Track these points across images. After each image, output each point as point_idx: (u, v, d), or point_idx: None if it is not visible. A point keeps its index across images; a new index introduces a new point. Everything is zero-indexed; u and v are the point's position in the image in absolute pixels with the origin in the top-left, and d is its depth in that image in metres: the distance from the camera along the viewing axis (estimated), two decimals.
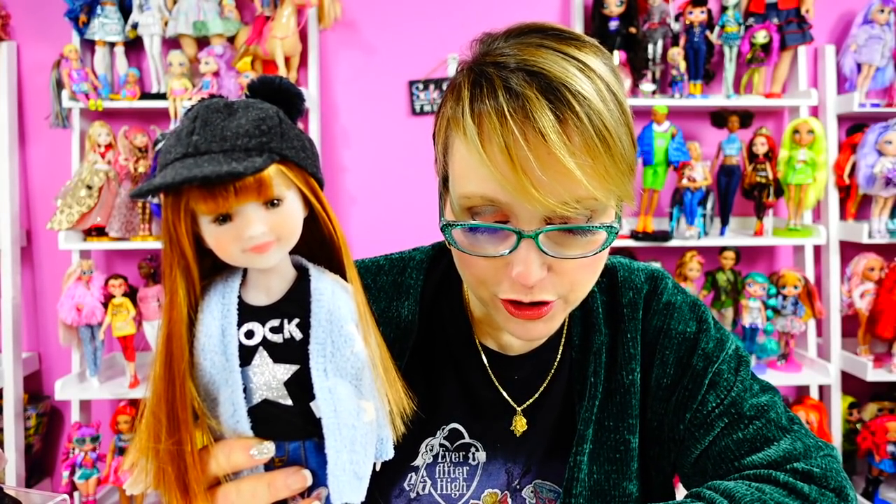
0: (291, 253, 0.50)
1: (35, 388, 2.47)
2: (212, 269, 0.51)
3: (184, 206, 0.46)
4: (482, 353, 0.82)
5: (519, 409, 0.81)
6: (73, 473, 2.10)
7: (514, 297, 0.66)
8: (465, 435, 0.81)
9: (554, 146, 0.57)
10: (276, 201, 0.47)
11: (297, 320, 0.49)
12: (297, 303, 0.49)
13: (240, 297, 0.49)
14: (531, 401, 0.82)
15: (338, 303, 0.50)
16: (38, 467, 2.44)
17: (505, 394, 0.81)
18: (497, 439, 0.81)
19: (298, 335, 0.49)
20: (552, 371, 0.82)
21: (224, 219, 0.46)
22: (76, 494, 2.11)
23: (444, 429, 0.81)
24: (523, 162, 0.58)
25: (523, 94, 0.59)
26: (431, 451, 0.80)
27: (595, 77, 0.61)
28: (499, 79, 0.60)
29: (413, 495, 0.78)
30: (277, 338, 0.49)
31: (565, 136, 0.58)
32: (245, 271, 0.50)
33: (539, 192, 0.58)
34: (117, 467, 2.15)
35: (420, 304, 0.82)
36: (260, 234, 0.46)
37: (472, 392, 0.82)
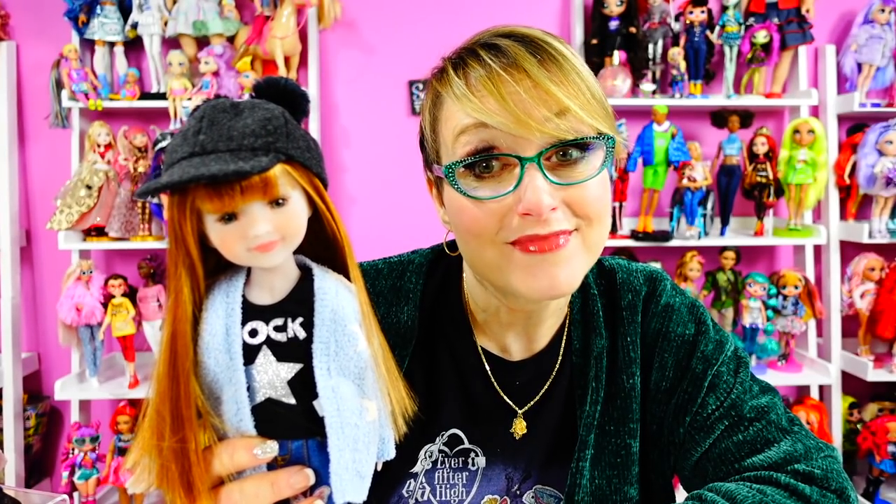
0: (295, 253, 0.51)
1: (35, 388, 2.46)
2: (215, 269, 0.51)
3: (190, 204, 0.46)
4: (483, 357, 0.82)
5: (520, 411, 0.81)
6: (72, 474, 2.10)
7: (528, 232, 0.65)
8: (465, 440, 0.80)
9: (537, 77, 0.63)
10: (281, 201, 0.47)
11: (300, 319, 0.49)
12: (300, 302, 0.49)
13: (244, 296, 0.49)
14: (531, 404, 0.81)
15: (341, 302, 0.50)
16: (38, 467, 2.44)
17: (506, 398, 0.81)
18: (497, 444, 0.80)
19: (302, 334, 0.49)
20: (553, 375, 0.82)
21: (229, 217, 0.46)
22: (76, 495, 2.11)
23: (443, 435, 0.80)
24: (512, 95, 0.63)
25: (503, 46, 0.66)
26: (430, 457, 0.80)
27: (564, 43, 0.69)
28: (477, 46, 0.68)
29: (412, 502, 0.78)
30: (281, 337, 0.49)
31: (545, 70, 0.64)
32: (249, 270, 0.50)
33: (531, 117, 0.62)
34: (117, 467, 2.15)
35: (420, 309, 0.81)
36: (265, 233, 0.46)
37: (472, 397, 0.81)
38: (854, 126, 2.41)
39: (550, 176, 0.64)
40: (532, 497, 0.79)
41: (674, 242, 2.29)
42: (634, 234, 2.31)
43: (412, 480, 0.79)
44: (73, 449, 2.12)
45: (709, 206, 2.32)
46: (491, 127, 0.64)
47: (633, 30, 2.30)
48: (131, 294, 2.19)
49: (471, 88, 0.65)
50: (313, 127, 2.32)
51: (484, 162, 0.66)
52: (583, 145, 0.65)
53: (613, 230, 2.32)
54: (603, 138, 0.66)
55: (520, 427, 0.80)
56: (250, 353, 0.48)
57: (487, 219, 0.66)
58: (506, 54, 0.65)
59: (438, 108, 0.70)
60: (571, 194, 0.65)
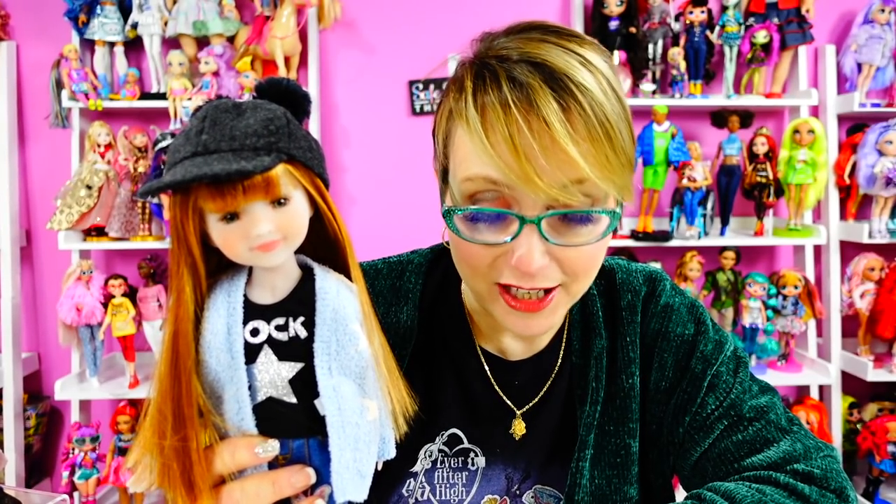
0: (297, 252, 0.51)
1: (35, 388, 2.47)
2: (217, 268, 0.51)
3: (192, 204, 0.46)
4: (482, 357, 0.82)
5: (519, 412, 0.81)
6: (72, 473, 2.10)
7: (514, 282, 0.65)
8: (465, 440, 0.80)
9: (558, 134, 0.58)
10: (283, 200, 0.47)
11: (302, 319, 0.49)
12: (302, 301, 0.50)
13: (245, 295, 0.50)
14: (531, 405, 0.81)
15: (342, 302, 0.50)
16: (38, 467, 2.44)
17: (505, 398, 0.81)
18: (497, 444, 0.80)
19: (303, 333, 0.49)
20: (552, 376, 0.82)
21: (232, 217, 0.46)
22: (76, 495, 2.11)
23: (443, 434, 0.80)
24: (527, 150, 0.59)
25: (527, 84, 0.59)
26: (430, 456, 0.79)
27: (596, 71, 0.62)
28: (502, 70, 0.61)
29: (412, 501, 0.78)
30: (282, 336, 0.49)
31: (569, 125, 0.59)
32: (250, 270, 0.51)
33: (542, 179, 0.59)
34: (117, 467, 2.15)
35: (419, 309, 0.81)
36: (267, 233, 0.46)
37: (471, 397, 0.81)
38: (854, 126, 2.41)
39: (549, 235, 0.62)
40: (532, 497, 0.79)
41: (674, 242, 2.30)
42: (634, 234, 2.31)
43: (412, 480, 0.79)
44: (73, 449, 2.12)
45: (709, 206, 2.32)
46: (499, 177, 0.61)
47: (633, 30, 2.30)
48: (131, 294, 2.19)
49: (486, 127, 0.60)
50: (313, 127, 2.32)
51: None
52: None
53: (613, 230, 2.32)
54: (611, 213, 0.64)
55: (519, 428, 0.80)
56: (252, 353, 0.48)
57: (483, 256, 0.66)
58: (528, 95, 0.59)
59: (452, 124, 0.67)
60: (567, 254, 0.64)
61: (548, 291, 0.67)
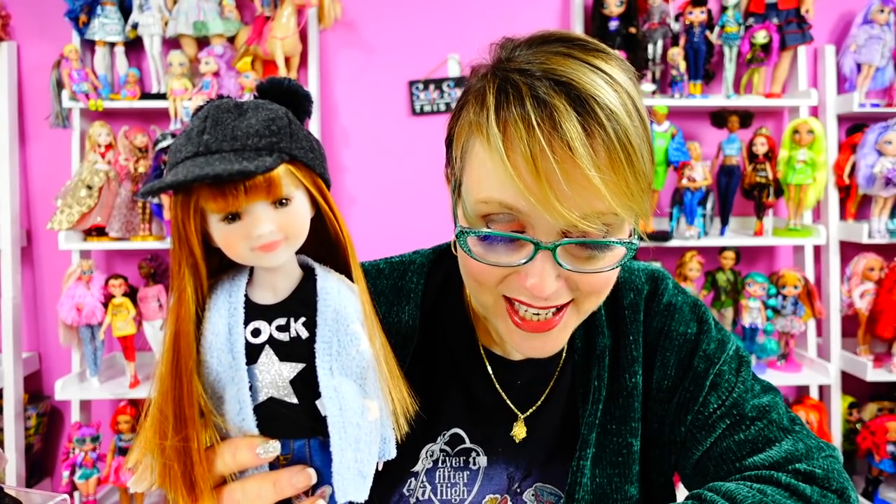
0: (298, 253, 0.51)
1: (35, 388, 2.47)
2: (219, 268, 0.51)
3: (194, 204, 0.46)
4: (484, 357, 0.82)
5: (521, 416, 0.81)
6: (73, 473, 2.10)
7: (525, 299, 0.65)
8: (466, 440, 0.80)
9: (580, 159, 0.57)
10: (284, 201, 0.47)
11: (303, 319, 0.49)
12: (303, 302, 0.50)
13: (246, 295, 0.50)
14: (533, 409, 0.81)
15: (343, 302, 0.50)
16: (39, 467, 2.44)
17: (507, 399, 0.81)
18: (498, 444, 0.80)
19: (305, 334, 0.49)
20: (555, 376, 0.82)
21: (233, 217, 0.46)
22: (76, 494, 2.11)
23: (444, 434, 0.80)
24: (548, 174, 0.57)
25: (551, 104, 0.58)
26: (432, 456, 0.79)
27: (621, 91, 0.61)
28: (525, 86, 0.59)
29: (413, 501, 0.78)
30: (284, 336, 0.49)
31: (592, 150, 0.57)
32: (251, 270, 0.51)
33: (562, 204, 0.57)
34: (117, 467, 2.15)
35: (421, 309, 0.81)
36: (268, 233, 0.46)
37: (473, 397, 0.81)
38: (853, 126, 2.41)
39: (563, 261, 0.62)
40: (532, 495, 0.79)
41: (673, 242, 2.30)
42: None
43: (413, 479, 0.79)
44: (73, 448, 2.12)
45: (708, 206, 2.32)
46: (516, 203, 0.60)
47: (632, 30, 2.30)
48: (132, 294, 2.19)
49: (507, 145, 0.59)
50: (314, 127, 2.32)
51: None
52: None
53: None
54: (627, 244, 0.63)
55: (520, 431, 0.80)
56: (253, 353, 0.49)
57: (493, 274, 0.66)
58: (552, 116, 0.57)
59: (471, 137, 0.65)
60: (582, 276, 0.64)
61: (558, 310, 0.67)
